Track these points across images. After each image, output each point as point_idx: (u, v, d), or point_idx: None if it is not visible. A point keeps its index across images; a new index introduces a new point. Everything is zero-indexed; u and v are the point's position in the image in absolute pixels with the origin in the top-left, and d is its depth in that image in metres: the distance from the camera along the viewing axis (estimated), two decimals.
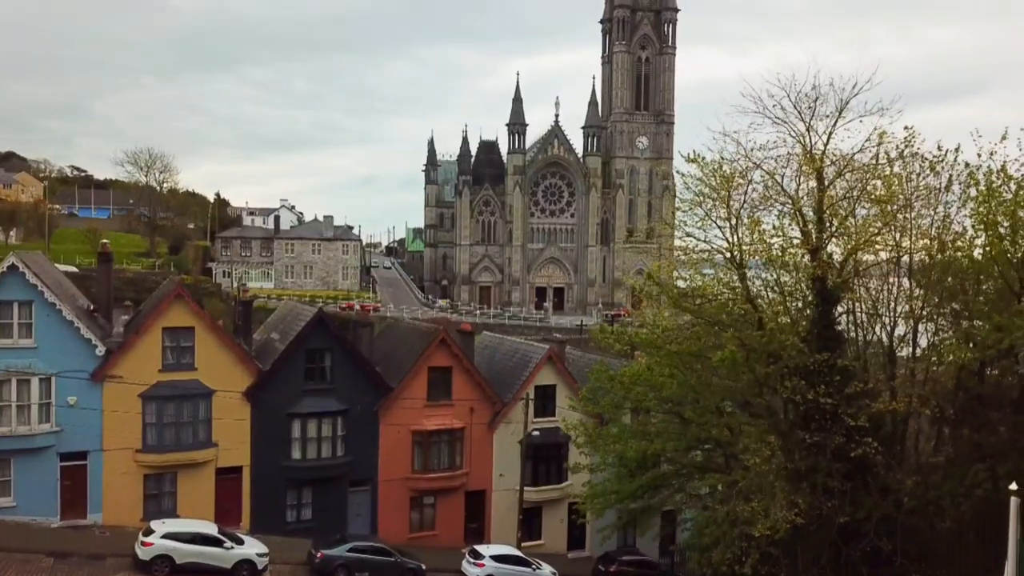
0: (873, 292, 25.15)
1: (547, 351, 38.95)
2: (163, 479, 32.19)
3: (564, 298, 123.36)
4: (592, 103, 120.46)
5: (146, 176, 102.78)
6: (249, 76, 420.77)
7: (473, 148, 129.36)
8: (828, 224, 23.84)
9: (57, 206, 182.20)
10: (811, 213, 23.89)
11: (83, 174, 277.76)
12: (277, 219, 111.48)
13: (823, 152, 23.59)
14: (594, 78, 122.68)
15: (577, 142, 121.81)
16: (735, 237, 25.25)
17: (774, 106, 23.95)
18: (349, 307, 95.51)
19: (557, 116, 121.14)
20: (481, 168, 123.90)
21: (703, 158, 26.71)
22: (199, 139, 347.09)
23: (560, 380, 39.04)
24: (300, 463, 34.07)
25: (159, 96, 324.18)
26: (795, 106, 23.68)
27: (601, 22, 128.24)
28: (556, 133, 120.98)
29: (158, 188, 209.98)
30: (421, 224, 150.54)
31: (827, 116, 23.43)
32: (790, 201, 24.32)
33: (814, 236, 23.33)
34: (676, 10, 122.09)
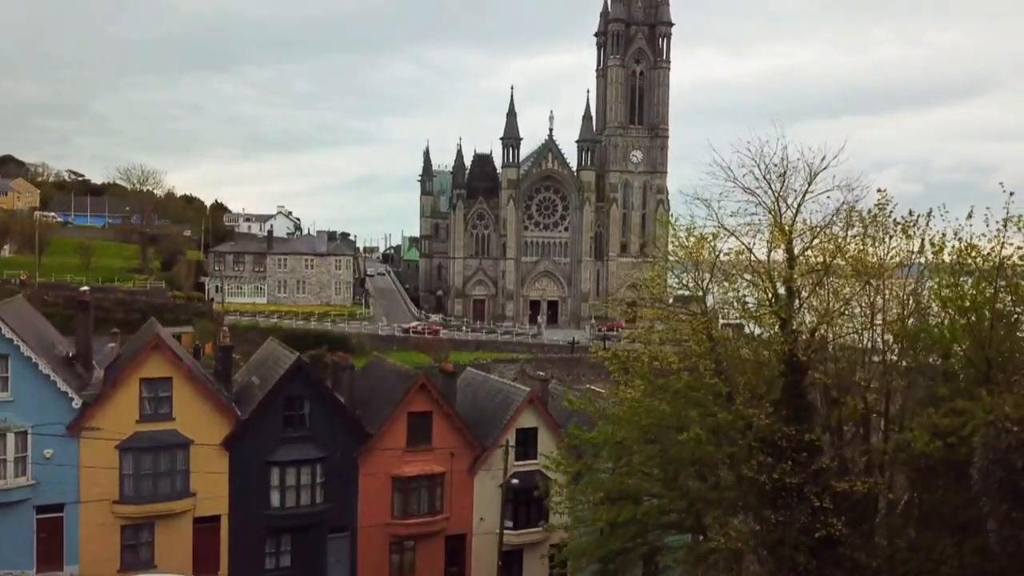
0: (844, 363, 25.07)
1: (528, 395, 38.87)
2: (140, 530, 32.18)
3: (558, 311, 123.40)
4: (586, 117, 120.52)
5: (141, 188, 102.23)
6: (249, 76, 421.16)
7: (469, 153, 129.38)
8: (797, 296, 23.82)
9: (52, 214, 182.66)
10: (781, 286, 23.85)
11: (80, 178, 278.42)
12: (270, 234, 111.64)
13: (791, 223, 23.58)
14: (588, 92, 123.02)
15: (573, 148, 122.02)
16: (704, 306, 25.25)
17: (744, 175, 23.96)
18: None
19: (551, 131, 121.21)
20: (475, 181, 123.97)
21: (677, 219, 26.77)
22: (198, 139, 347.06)
23: (541, 422, 39.01)
24: (278, 511, 34.06)
25: (158, 96, 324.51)
26: (764, 177, 23.68)
27: (596, 35, 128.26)
28: (550, 147, 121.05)
29: (152, 199, 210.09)
30: (417, 232, 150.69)
31: (796, 189, 23.43)
32: (762, 269, 24.32)
33: (783, 308, 23.31)
34: (670, 24, 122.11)
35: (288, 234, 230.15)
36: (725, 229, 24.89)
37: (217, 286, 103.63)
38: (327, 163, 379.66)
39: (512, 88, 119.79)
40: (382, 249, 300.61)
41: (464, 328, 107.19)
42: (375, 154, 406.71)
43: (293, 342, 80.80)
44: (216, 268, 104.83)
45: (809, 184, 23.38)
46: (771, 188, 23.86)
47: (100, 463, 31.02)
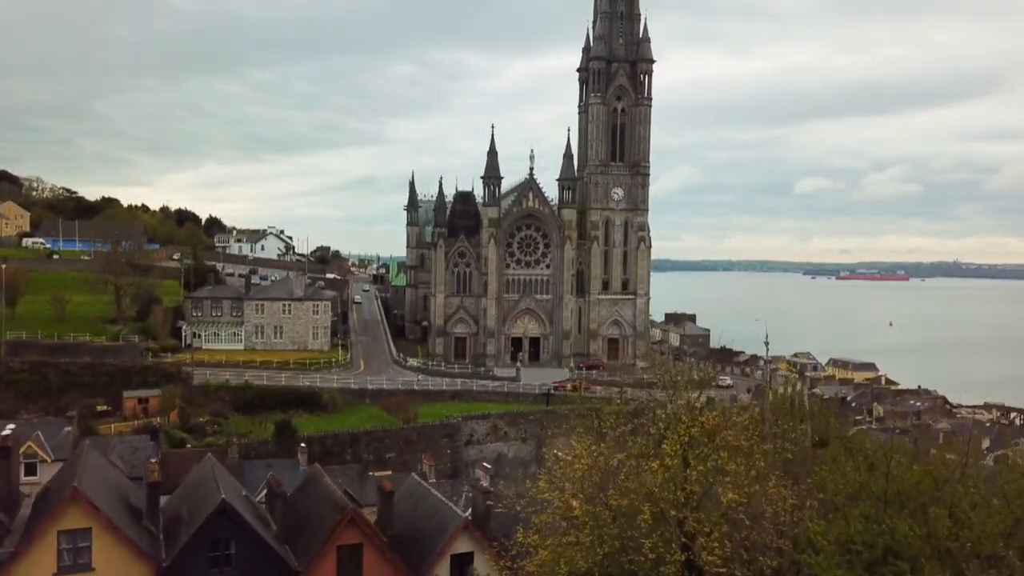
0: None
1: (461, 523, 38.55)
2: None
3: (540, 348, 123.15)
4: (567, 155, 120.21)
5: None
6: (250, 77, 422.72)
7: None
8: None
9: (41, 240, 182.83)
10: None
11: (72, 195, 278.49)
12: (251, 274, 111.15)
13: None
14: (569, 130, 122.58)
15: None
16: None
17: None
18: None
19: (532, 169, 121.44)
20: (457, 219, 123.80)
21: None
22: (200, 140, 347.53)
23: (478, 547, 38.71)
24: None
25: (160, 97, 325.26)
26: None
27: (578, 71, 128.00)
28: (531, 186, 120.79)
29: (143, 224, 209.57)
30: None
31: None
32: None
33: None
34: (652, 61, 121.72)
35: (279, 255, 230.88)
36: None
37: (194, 332, 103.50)
38: (328, 163, 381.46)
39: (492, 127, 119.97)
40: (375, 265, 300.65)
41: (443, 367, 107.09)
42: (375, 155, 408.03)
43: (264, 402, 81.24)
44: (194, 314, 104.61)
45: None
46: None
47: None
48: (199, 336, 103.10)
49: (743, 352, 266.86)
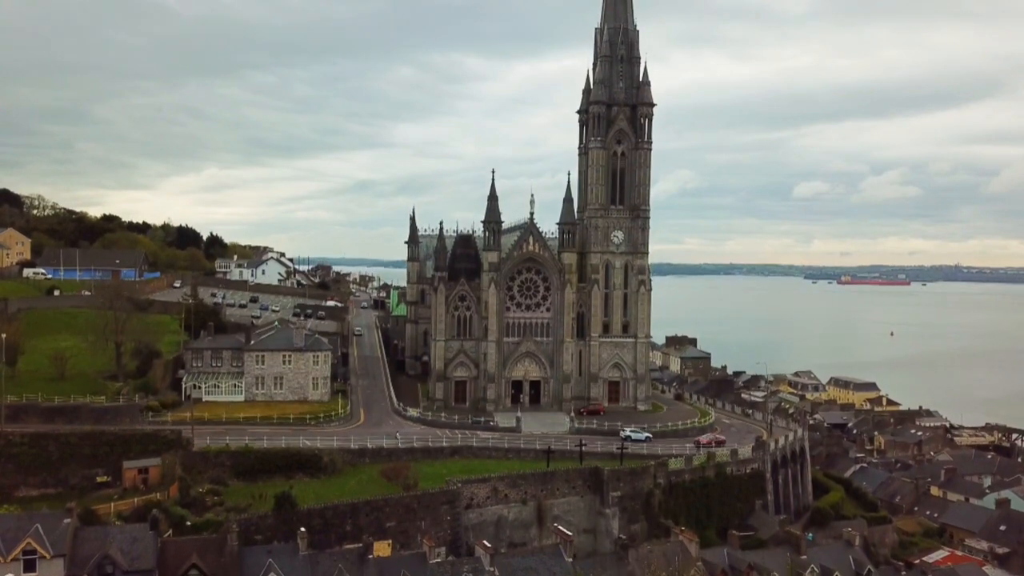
0: None
1: None
2: None
3: (540, 392, 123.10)
4: (567, 199, 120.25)
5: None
6: (251, 81, 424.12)
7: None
8: None
9: (42, 271, 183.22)
10: None
11: (74, 215, 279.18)
12: (247, 333, 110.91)
13: None
14: (569, 174, 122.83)
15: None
16: None
17: None
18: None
19: (532, 214, 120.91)
20: (457, 262, 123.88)
21: None
22: (201, 144, 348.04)
23: None
24: None
25: (160, 100, 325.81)
26: None
27: (578, 112, 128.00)
28: (531, 231, 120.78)
29: (144, 250, 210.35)
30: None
31: None
32: None
33: None
34: (652, 104, 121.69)
35: (280, 280, 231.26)
36: None
37: (194, 384, 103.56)
38: (329, 167, 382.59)
39: (493, 172, 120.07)
40: (376, 286, 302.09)
41: (443, 417, 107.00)
42: (376, 158, 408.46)
43: (265, 466, 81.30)
44: (194, 364, 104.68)
45: None
46: None
47: None
48: (199, 388, 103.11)
49: (744, 372, 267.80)
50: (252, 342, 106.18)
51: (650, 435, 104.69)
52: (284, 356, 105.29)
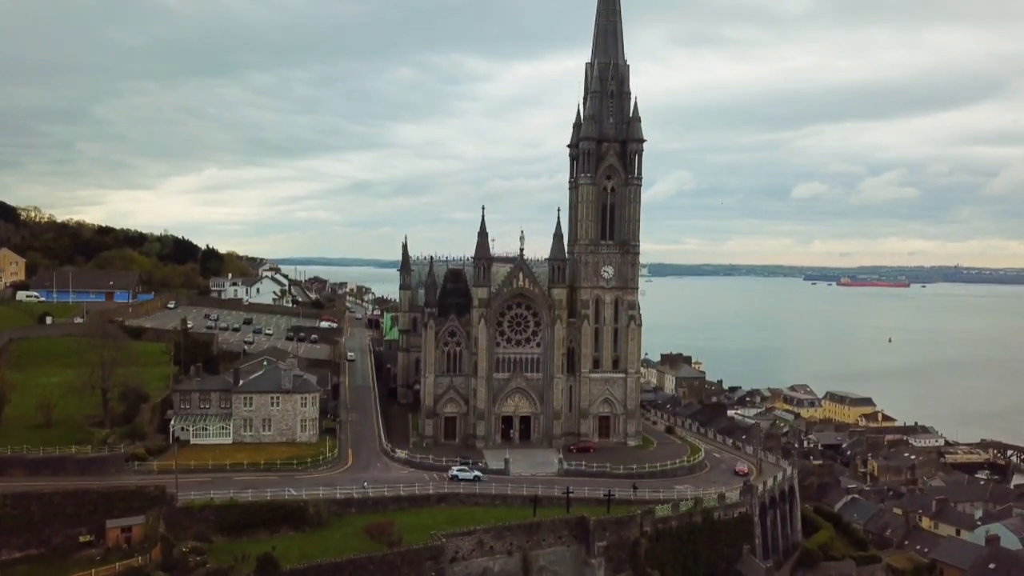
0: None
1: None
2: None
3: (531, 427, 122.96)
4: (557, 235, 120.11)
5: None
6: (250, 81, 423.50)
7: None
8: None
9: (35, 294, 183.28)
10: None
11: (69, 228, 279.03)
12: (237, 371, 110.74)
13: None
14: (559, 210, 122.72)
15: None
16: None
17: None
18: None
19: (522, 251, 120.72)
20: (448, 297, 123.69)
21: None
22: (200, 143, 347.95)
23: None
24: None
25: (160, 100, 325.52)
26: None
27: (568, 147, 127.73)
28: (521, 267, 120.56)
29: (140, 269, 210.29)
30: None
31: None
32: None
33: None
34: (642, 140, 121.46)
35: (275, 299, 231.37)
36: None
37: (182, 427, 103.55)
38: (328, 167, 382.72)
39: (483, 208, 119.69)
40: (371, 302, 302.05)
41: (431, 459, 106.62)
42: (375, 158, 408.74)
43: (249, 520, 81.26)
44: (182, 406, 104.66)
45: None
46: None
47: None
48: (187, 431, 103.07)
49: (739, 387, 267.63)
50: (240, 382, 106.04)
51: (479, 474, 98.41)
52: (272, 398, 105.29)
